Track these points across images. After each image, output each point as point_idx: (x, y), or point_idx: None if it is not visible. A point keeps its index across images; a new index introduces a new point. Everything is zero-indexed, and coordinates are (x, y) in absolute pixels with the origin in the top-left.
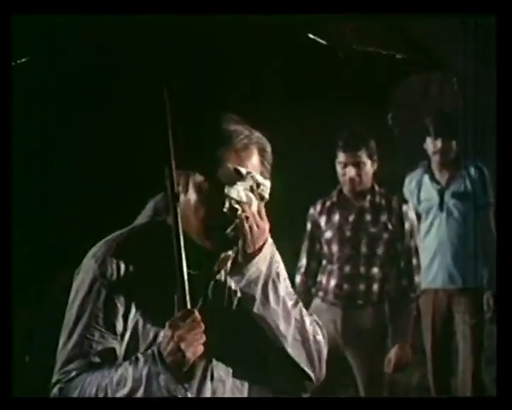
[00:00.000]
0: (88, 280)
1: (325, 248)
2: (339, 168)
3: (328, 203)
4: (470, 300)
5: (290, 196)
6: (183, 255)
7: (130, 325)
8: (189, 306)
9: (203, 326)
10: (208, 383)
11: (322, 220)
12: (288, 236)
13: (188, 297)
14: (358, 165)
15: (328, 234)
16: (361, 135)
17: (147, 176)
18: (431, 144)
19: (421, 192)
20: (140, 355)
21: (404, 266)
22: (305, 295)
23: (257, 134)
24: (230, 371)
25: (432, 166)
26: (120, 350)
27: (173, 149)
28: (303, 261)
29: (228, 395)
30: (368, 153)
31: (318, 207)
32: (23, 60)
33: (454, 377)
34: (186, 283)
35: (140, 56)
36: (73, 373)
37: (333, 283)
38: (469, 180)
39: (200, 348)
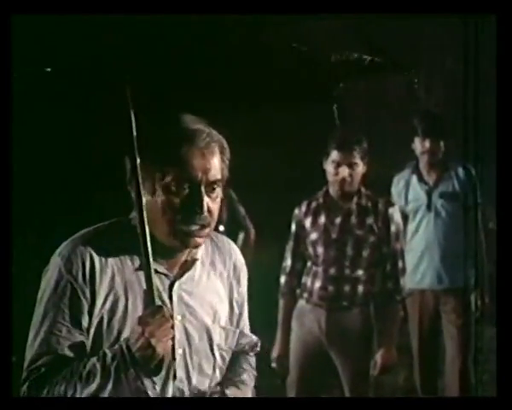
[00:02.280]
0: (54, 277)
1: (310, 250)
2: (331, 168)
3: (313, 204)
4: (457, 300)
5: (276, 197)
6: (150, 253)
7: (95, 320)
8: (157, 302)
9: (172, 322)
10: (171, 383)
11: (308, 222)
12: (274, 236)
13: (155, 294)
14: (351, 165)
15: (314, 235)
16: (355, 135)
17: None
18: (419, 145)
19: (409, 192)
20: (107, 351)
21: (390, 269)
22: (290, 295)
23: (214, 132)
24: (193, 371)
25: (420, 167)
26: (87, 345)
27: (138, 150)
28: (288, 262)
29: (187, 395)
30: (361, 154)
31: (303, 208)
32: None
33: (441, 377)
34: (153, 279)
35: (122, 54)
36: (42, 370)
37: (317, 284)
38: (457, 181)
39: (169, 344)
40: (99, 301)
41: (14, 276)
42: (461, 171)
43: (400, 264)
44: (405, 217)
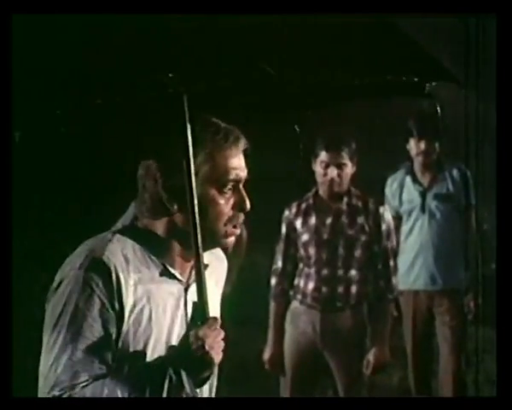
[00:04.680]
0: (77, 291)
1: (302, 252)
2: (319, 168)
3: (303, 205)
4: (451, 301)
5: (268, 198)
6: (203, 262)
7: (123, 333)
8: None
9: (223, 332)
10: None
11: (298, 223)
12: (267, 236)
13: (208, 304)
14: (340, 166)
15: (305, 237)
16: (344, 136)
17: (131, 177)
18: (414, 146)
19: (404, 193)
20: (153, 362)
21: (382, 268)
22: (281, 298)
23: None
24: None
25: (414, 168)
26: (115, 358)
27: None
28: (278, 264)
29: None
30: (349, 154)
31: (293, 209)
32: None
33: (435, 377)
34: (206, 289)
35: (137, 54)
36: (75, 390)
37: (311, 286)
38: (451, 182)
39: (222, 355)
40: (126, 313)
41: (14, 277)
42: (455, 172)
43: (392, 262)
44: (399, 218)
